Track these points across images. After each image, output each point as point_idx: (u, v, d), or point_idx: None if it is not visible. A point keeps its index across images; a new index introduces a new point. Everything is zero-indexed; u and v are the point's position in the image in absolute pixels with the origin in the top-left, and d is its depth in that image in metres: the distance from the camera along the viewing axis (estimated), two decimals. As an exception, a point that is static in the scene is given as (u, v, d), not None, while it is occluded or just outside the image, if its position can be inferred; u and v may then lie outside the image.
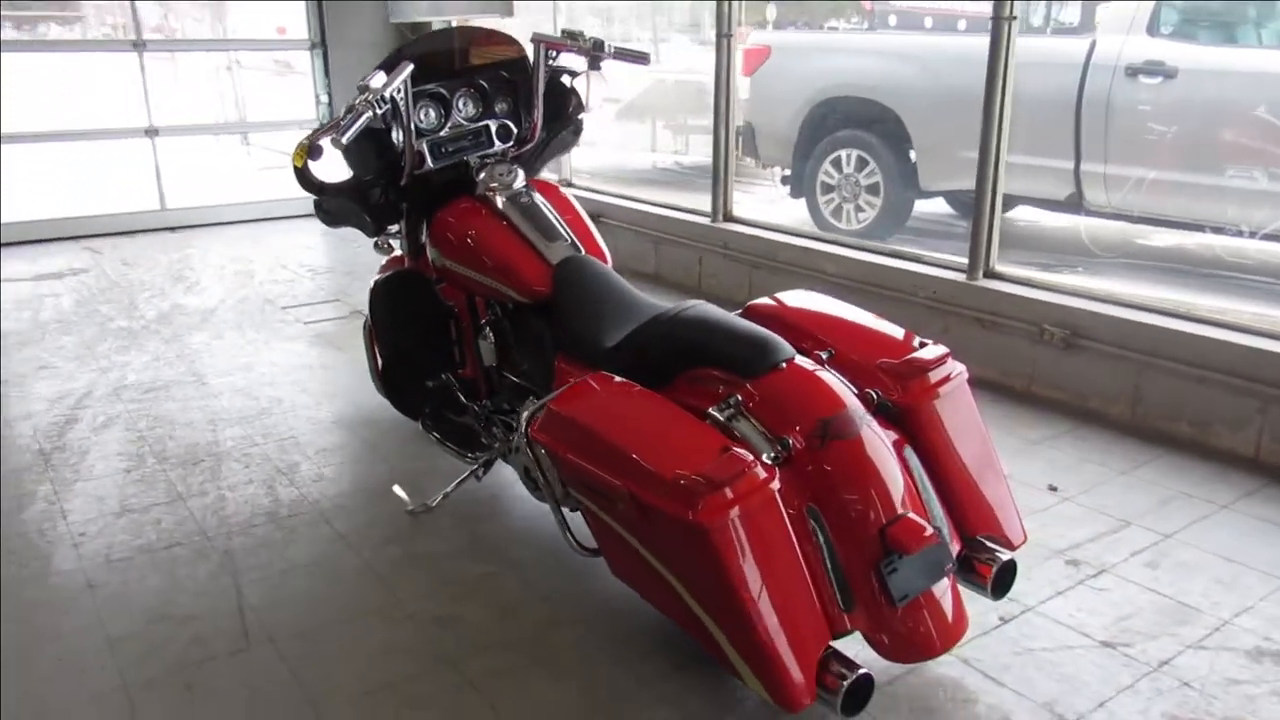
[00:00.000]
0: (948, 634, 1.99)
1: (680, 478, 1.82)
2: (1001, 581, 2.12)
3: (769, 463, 1.92)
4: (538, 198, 2.78)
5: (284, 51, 9.85)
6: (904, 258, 4.31)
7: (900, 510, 1.95)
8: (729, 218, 5.24)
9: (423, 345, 2.91)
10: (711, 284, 5.22)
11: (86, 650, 2.27)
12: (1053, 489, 2.98)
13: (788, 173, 6.60)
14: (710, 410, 2.03)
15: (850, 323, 2.34)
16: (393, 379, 3.09)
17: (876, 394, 2.12)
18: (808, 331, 2.28)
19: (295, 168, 2.55)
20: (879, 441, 2.01)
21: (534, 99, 2.91)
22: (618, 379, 2.17)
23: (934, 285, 4.01)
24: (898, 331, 2.30)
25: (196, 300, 5.16)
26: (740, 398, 2.05)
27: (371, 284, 3.02)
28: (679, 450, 1.89)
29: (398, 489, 2.92)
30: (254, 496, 3.00)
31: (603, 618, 2.38)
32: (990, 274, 3.89)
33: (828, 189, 6.28)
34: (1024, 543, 2.24)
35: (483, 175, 2.78)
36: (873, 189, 6.06)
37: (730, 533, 1.79)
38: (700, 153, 8.32)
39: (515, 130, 2.94)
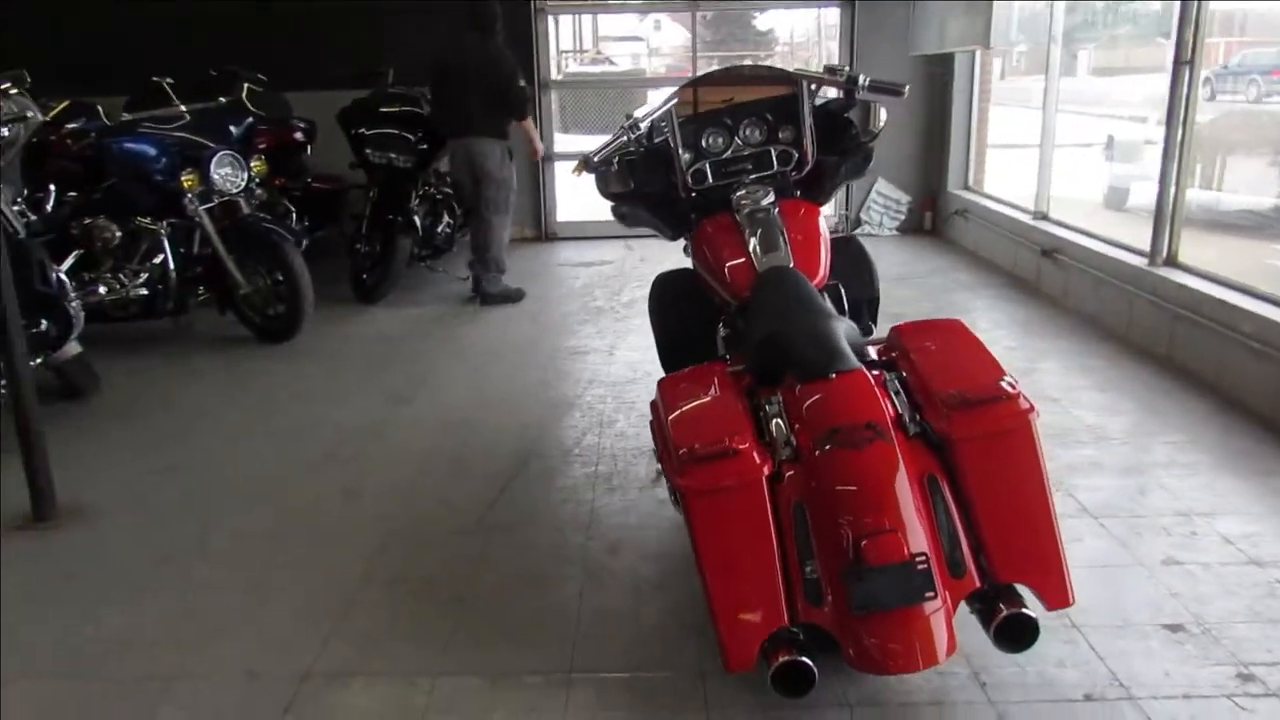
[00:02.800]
0: (909, 658, 2.01)
1: (684, 450, 2.15)
2: (1010, 633, 2.03)
3: (783, 458, 2.14)
4: (775, 215, 3.13)
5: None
6: None
7: (884, 526, 2.02)
8: (1171, 262, 4.73)
9: (686, 334, 3.43)
10: (1135, 334, 4.77)
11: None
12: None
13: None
14: (764, 404, 2.29)
15: (954, 354, 2.35)
16: (666, 360, 3.65)
17: (918, 418, 2.16)
18: (908, 352, 2.36)
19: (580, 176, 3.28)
20: (885, 460, 2.08)
21: (803, 129, 3.24)
22: (718, 368, 2.50)
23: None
24: (994, 371, 2.25)
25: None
26: (783, 397, 2.27)
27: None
28: (702, 430, 2.21)
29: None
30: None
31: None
32: None
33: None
34: (1068, 606, 2.07)
35: (738, 194, 3.22)
36: None
37: (703, 502, 2.09)
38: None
39: (794, 156, 3.30)
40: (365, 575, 2.83)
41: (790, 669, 2.00)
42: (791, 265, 2.96)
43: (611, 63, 18.68)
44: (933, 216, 8.06)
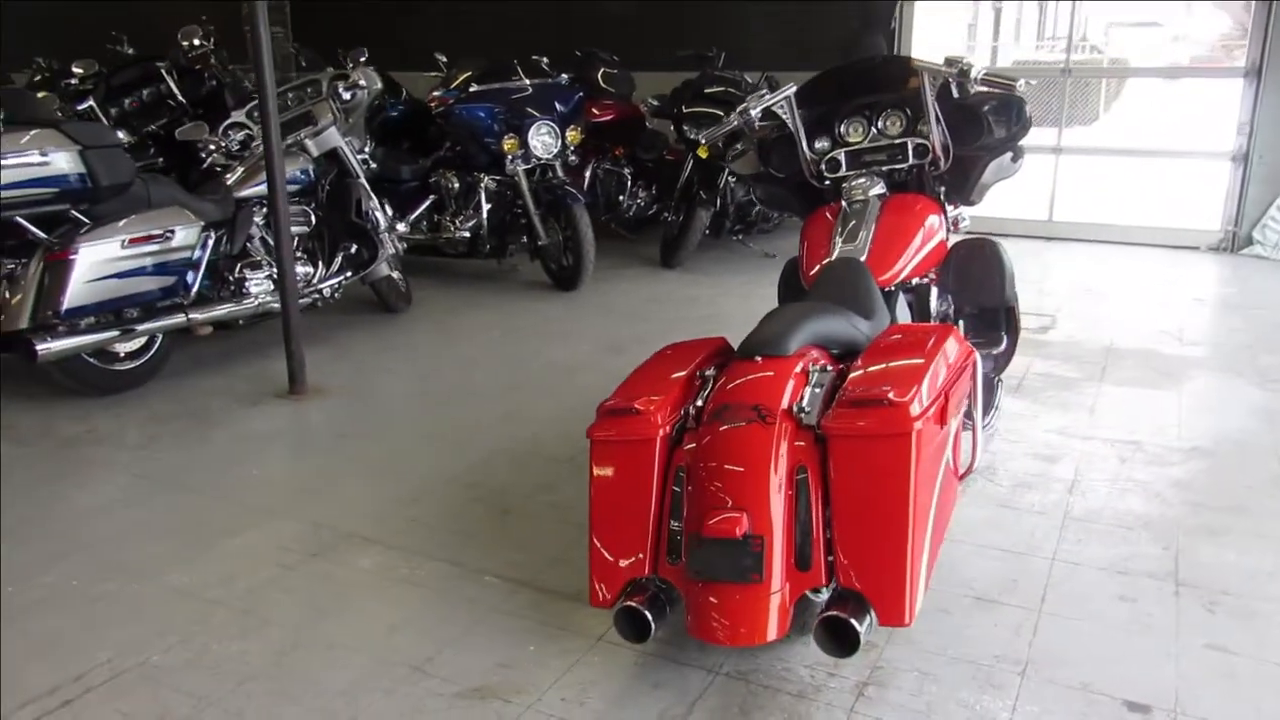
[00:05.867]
0: (730, 632, 2.07)
1: (606, 403, 2.38)
2: (826, 634, 2.00)
3: (689, 426, 2.29)
4: (873, 208, 3.08)
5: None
6: None
7: (728, 503, 2.09)
8: None
9: None
10: None
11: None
12: None
13: None
14: (704, 375, 2.43)
15: (904, 358, 2.27)
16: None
17: (803, 411, 2.17)
18: (871, 349, 2.36)
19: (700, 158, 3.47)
20: (755, 441, 2.13)
21: (928, 122, 3.12)
22: (716, 342, 2.63)
23: None
24: (919, 381, 2.15)
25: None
26: (717, 371, 2.38)
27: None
28: (630, 390, 2.40)
29: None
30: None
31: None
32: None
33: None
34: (903, 625, 1.98)
35: (847, 183, 3.21)
36: None
37: (600, 450, 2.31)
38: None
39: (931, 150, 3.20)
40: (451, 475, 3.38)
41: (629, 613, 2.17)
42: (864, 258, 2.94)
43: (1098, 50, 17.31)
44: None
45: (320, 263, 4.95)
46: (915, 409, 2.06)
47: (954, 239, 3.33)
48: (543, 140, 5.91)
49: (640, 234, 7.32)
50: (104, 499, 3.29)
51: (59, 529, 3.04)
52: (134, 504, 3.23)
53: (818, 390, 2.24)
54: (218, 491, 3.31)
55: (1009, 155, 3.21)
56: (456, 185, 6.12)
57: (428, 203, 6.23)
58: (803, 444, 2.15)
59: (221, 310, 4.44)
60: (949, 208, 3.34)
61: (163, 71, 5.69)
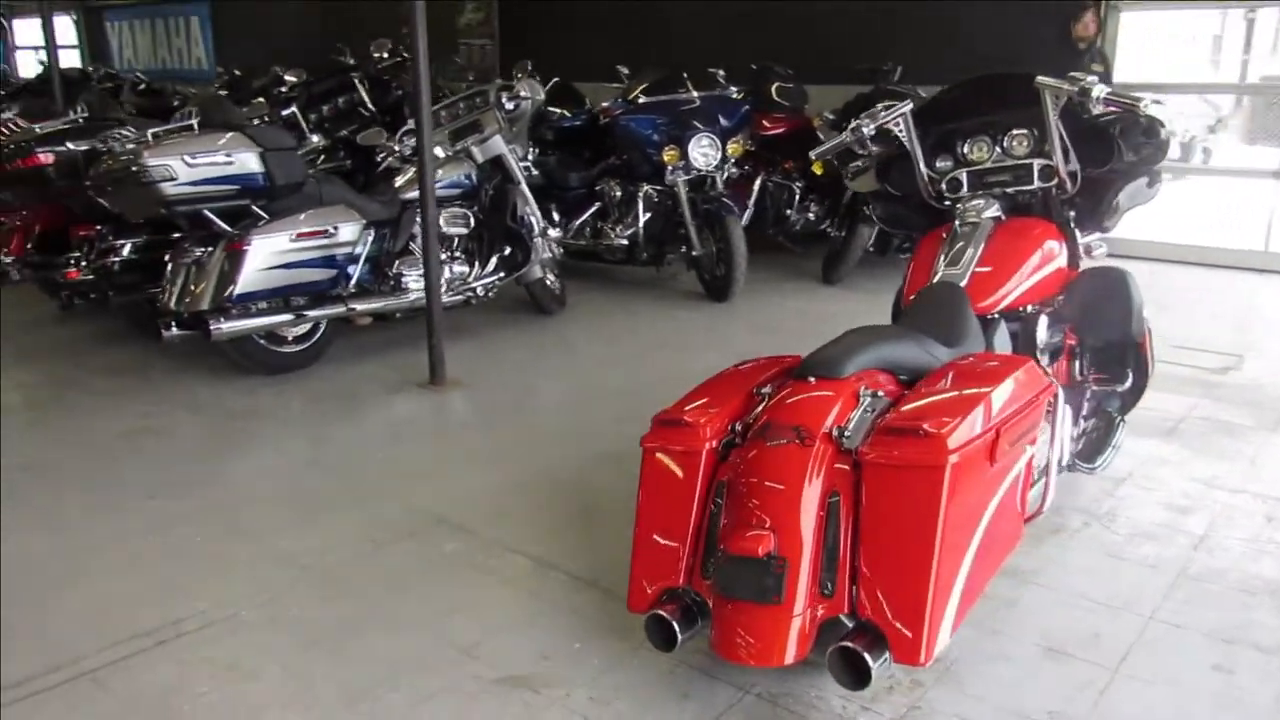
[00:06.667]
0: (748, 651, 2.06)
1: (662, 414, 2.42)
2: (839, 664, 1.95)
3: (734, 437, 2.29)
4: (983, 230, 2.94)
5: None
6: None
7: (758, 521, 2.08)
8: None
9: None
10: None
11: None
12: None
13: None
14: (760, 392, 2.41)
15: (963, 388, 2.17)
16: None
17: (846, 436, 2.12)
18: (932, 378, 2.29)
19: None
20: (791, 462, 2.11)
21: (1051, 143, 2.95)
22: (786, 360, 2.61)
23: None
24: (966, 413, 2.05)
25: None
26: (775, 388, 2.36)
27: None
28: (688, 402, 2.43)
29: None
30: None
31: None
32: None
33: None
34: (918, 664, 1.90)
35: (961, 204, 3.08)
36: None
37: (650, 458, 2.36)
38: None
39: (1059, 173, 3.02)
40: (553, 472, 3.50)
41: (658, 621, 2.20)
42: (964, 283, 2.83)
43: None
44: None
45: (477, 263, 5.23)
46: (954, 441, 1.98)
47: (1085, 266, 3.14)
48: (703, 152, 5.98)
49: (808, 249, 7.23)
50: (246, 467, 3.64)
51: (202, 490, 3.39)
52: (268, 474, 3.56)
53: (868, 415, 2.19)
54: (342, 469, 3.59)
55: (1144, 179, 2.98)
56: (619, 193, 6.28)
57: (592, 209, 6.44)
58: (843, 468, 2.11)
59: (380, 303, 4.79)
60: (1079, 234, 3.15)
61: (355, 81, 6.19)
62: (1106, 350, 3.11)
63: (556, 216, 6.55)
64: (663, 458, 2.32)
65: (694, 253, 6.01)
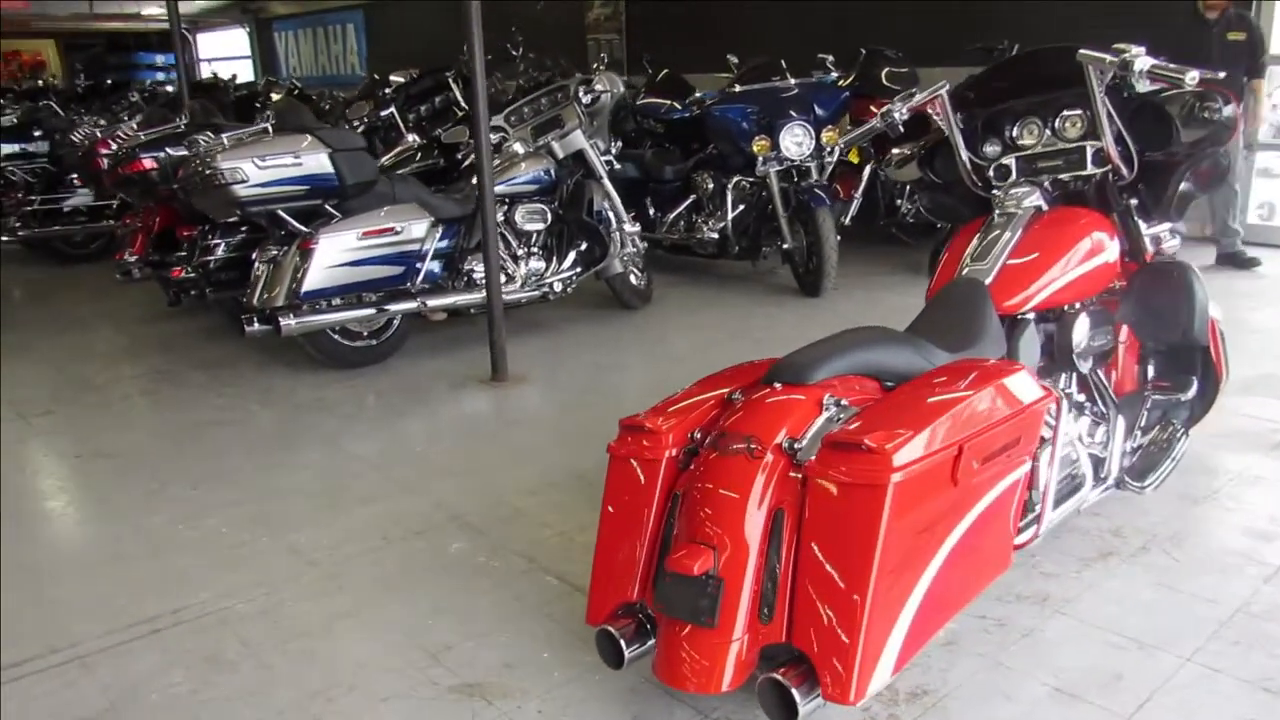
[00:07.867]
0: (680, 675, 1.93)
1: (626, 420, 2.30)
2: (766, 697, 1.79)
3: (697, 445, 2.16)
4: (1018, 222, 2.67)
5: None
6: None
7: (697, 537, 1.95)
8: None
9: None
10: None
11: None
12: None
13: None
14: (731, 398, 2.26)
15: (923, 402, 1.96)
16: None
17: (799, 448, 1.95)
18: (909, 386, 2.09)
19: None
20: (737, 474, 1.96)
21: (1099, 124, 2.64)
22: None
23: None
24: (922, 427, 1.85)
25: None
26: (744, 394, 2.21)
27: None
28: (660, 408, 2.30)
29: None
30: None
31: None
32: None
33: None
34: (846, 703, 1.71)
35: (1002, 192, 2.80)
36: None
37: (613, 465, 2.25)
38: None
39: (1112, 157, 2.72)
40: (583, 472, 3.42)
41: (605, 637, 2.10)
42: (990, 280, 2.58)
43: None
44: None
45: (554, 258, 5.22)
46: (900, 458, 1.78)
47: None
48: (795, 141, 5.76)
49: (922, 241, 6.87)
50: (292, 460, 3.74)
51: (246, 480, 3.51)
52: (311, 467, 3.65)
53: (832, 425, 2.01)
54: (379, 463, 3.64)
55: (1207, 164, 2.63)
56: (711, 186, 6.14)
57: (687, 203, 6.33)
58: (794, 482, 1.94)
59: (451, 299, 4.85)
60: (1144, 225, 2.82)
61: (449, 80, 6.29)
62: (1174, 355, 2.77)
63: (651, 211, 6.48)
64: (625, 464, 2.21)
65: (785, 246, 5.81)
